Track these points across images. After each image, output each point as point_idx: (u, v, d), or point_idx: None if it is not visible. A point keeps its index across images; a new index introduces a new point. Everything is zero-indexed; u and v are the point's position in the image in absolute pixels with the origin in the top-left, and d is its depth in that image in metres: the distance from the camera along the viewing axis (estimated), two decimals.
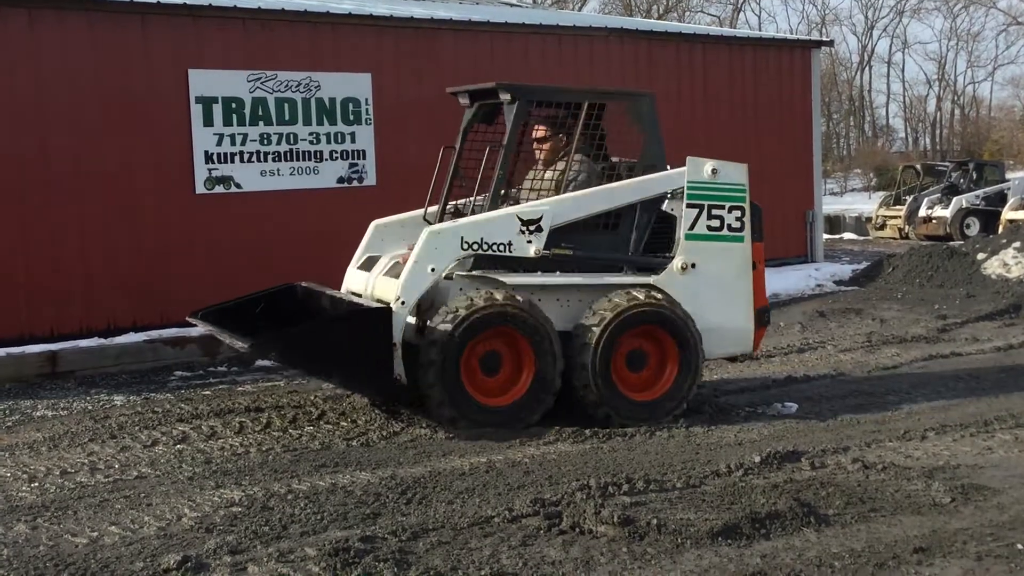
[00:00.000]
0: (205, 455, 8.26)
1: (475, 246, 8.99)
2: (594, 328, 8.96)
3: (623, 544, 6.14)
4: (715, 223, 9.51)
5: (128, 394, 10.89)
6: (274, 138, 14.43)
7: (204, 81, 13.84)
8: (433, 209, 10.04)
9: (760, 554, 5.99)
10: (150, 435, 8.92)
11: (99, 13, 13.04)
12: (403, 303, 8.84)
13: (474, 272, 9.03)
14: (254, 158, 14.24)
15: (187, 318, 9.72)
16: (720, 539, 6.18)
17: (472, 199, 9.81)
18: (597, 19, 22.53)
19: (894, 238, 29.31)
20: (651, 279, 9.32)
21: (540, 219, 9.06)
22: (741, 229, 9.60)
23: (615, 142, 9.66)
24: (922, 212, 29.02)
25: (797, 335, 13.79)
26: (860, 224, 32.75)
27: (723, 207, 9.53)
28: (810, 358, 12.21)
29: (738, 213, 9.59)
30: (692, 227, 9.43)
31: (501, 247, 9.00)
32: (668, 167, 9.60)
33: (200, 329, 10.30)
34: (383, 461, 8.00)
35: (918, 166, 33.31)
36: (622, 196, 9.39)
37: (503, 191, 9.46)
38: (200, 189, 13.87)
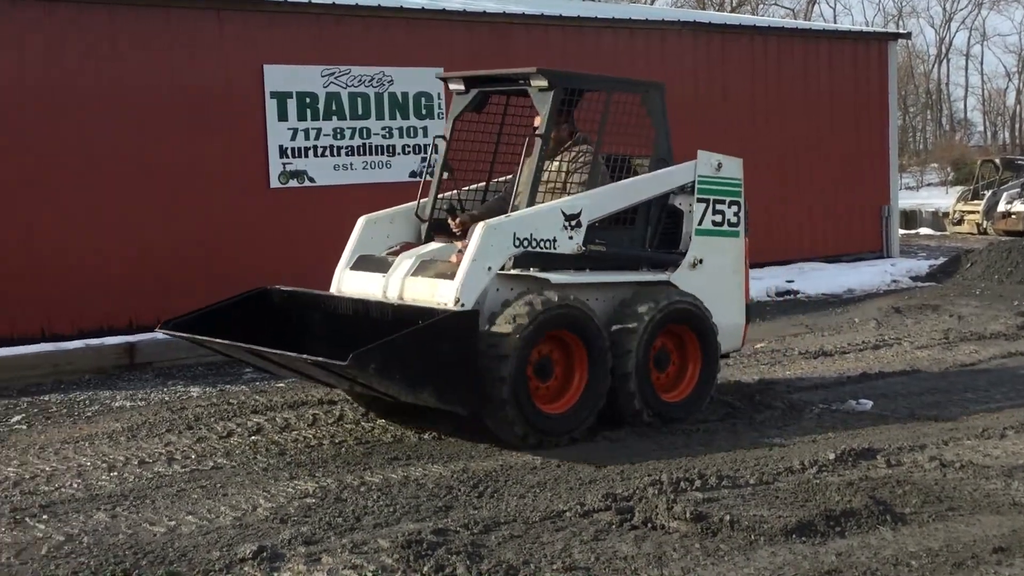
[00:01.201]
0: (279, 447, 8.35)
1: (525, 242, 8.50)
2: (637, 327, 8.60)
3: (696, 540, 6.10)
4: (718, 218, 9.41)
5: (204, 386, 11.04)
6: (347, 132, 14.53)
7: (279, 76, 13.97)
8: (425, 203, 9.51)
9: (835, 552, 5.92)
10: (225, 426, 9.03)
11: (177, 9, 13.20)
12: (463, 305, 8.16)
13: (513, 271, 8.40)
14: (327, 152, 14.36)
15: (157, 329, 9.00)
16: (794, 536, 6.13)
17: (461, 191, 9.49)
18: (669, 13, 22.42)
19: (971, 233, 28.81)
20: (667, 275, 9.10)
21: (580, 214, 8.70)
22: (738, 224, 9.52)
23: (611, 134, 9.26)
24: (1001, 207, 28.48)
25: (872, 331, 13.61)
26: (937, 219, 32.22)
27: (724, 202, 9.45)
28: (885, 355, 12.05)
29: (735, 208, 9.51)
30: (701, 222, 9.30)
31: (547, 243, 8.58)
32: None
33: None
34: (455, 455, 8.03)
35: (997, 160, 32.69)
36: (647, 190, 9.16)
37: (487, 185, 9.31)
38: (274, 183, 14.01)
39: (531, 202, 8.67)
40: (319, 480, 7.40)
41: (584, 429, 8.40)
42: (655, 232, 9.28)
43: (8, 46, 12.20)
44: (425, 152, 14.93)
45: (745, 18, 23.64)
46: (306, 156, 14.23)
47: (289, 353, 7.88)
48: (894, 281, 18.34)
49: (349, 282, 9.13)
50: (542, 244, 8.56)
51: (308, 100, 14.22)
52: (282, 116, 14.07)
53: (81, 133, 12.69)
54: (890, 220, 20.46)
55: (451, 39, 15.25)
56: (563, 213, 8.64)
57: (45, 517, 6.75)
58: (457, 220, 9.11)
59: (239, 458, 8.04)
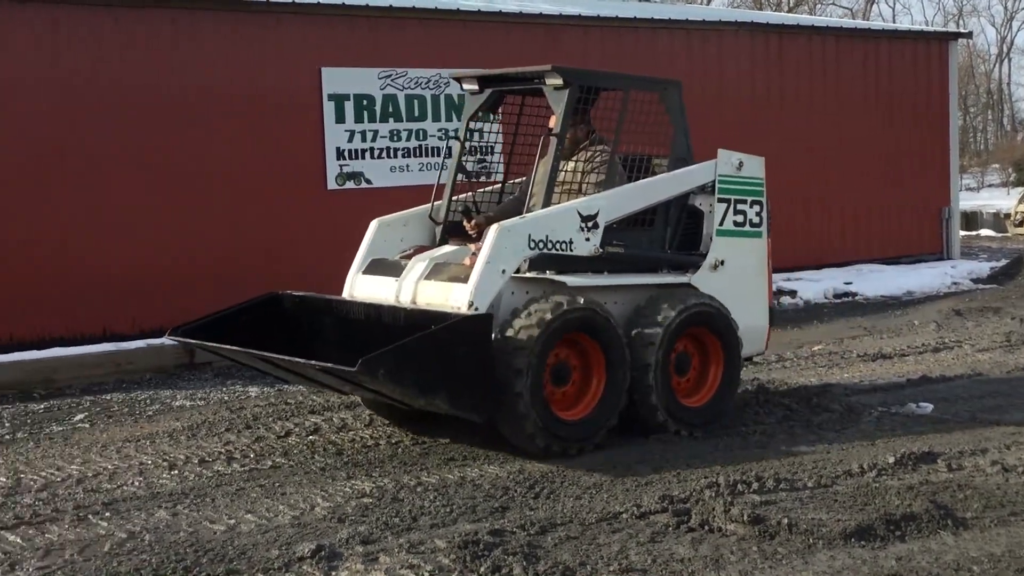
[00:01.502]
0: (336, 447, 8.40)
1: (541, 244, 8.23)
2: (656, 330, 8.36)
3: (753, 543, 6.07)
4: (739, 218, 9.18)
5: (262, 386, 11.13)
6: (404, 134, 14.60)
7: (337, 78, 14.07)
8: (439, 205, 9.30)
9: (895, 556, 5.87)
10: (283, 426, 9.11)
11: (238, 13, 13.34)
12: (477, 309, 7.93)
13: (528, 274, 8.17)
14: (384, 154, 14.44)
15: (167, 336, 8.89)
16: (853, 540, 6.08)
17: (475, 193, 9.35)
18: (726, 13, 22.31)
19: None
20: (687, 277, 8.88)
21: (597, 215, 8.46)
22: (760, 224, 9.30)
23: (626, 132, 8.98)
24: None
25: (932, 334, 13.46)
26: (998, 221, 31.79)
27: (746, 201, 9.22)
28: (946, 358, 11.91)
29: (757, 208, 9.28)
30: (722, 222, 9.08)
31: (563, 245, 8.32)
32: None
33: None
34: (511, 455, 8.04)
35: None
36: (666, 190, 8.93)
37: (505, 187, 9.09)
38: (331, 185, 14.11)
39: (546, 203, 8.44)
40: (376, 480, 7.45)
41: (602, 435, 8.15)
42: (675, 233, 9.07)
43: (81, 49, 12.37)
44: (481, 153, 14.95)
45: (803, 18, 23.47)
46: (363, 158, 14.32)
47: (297, 359, 7.71)
48: (954, 283, 18.13)
49: (361, 286, 8.95)
50: (558, 246, 8.33)
51: (365, 102, 14.32)
52: (339, 118, 14.17)
53: (142, 135, 12.85)
54: (950, 221, 20.23)
55: (507, 40, 15.28)
56: (580, 214, 8.41)
57: (108, 514, 6.84)
58: (472, 222, 8.92)
59: (297, 457, 8.11)
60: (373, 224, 9.26)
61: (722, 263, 9.04)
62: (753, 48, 17.61)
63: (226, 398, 10.60)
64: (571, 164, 8.89)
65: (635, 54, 16.31)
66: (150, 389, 11.16)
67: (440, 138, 14.78)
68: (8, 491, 7.40)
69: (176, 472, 7.79)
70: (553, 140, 8.52)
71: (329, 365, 7.36)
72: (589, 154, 8.92)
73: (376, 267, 8.96)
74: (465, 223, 8.98)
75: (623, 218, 8.69)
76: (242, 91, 13.44)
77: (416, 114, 14.66)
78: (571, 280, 8.24)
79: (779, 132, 17.63)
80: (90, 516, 6.82)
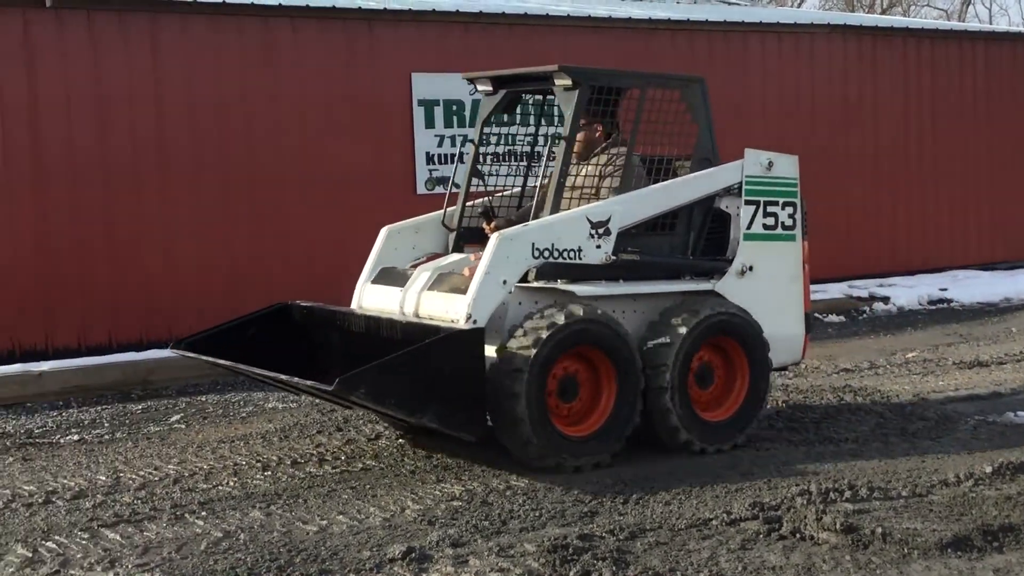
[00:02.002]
0: (426, 450, 8.46)
1: (546, 253, 7.90)
2: (672, 342, 8.02)
3: (846, 552, 6.00)
4: (770, 221, 8.75)
5: None
6: (493, 139, 14.63)
7: (426, 84, 14.18)
8: (452, 211, 9.07)
9: (992, 568, 5.76)
10: (373, 429, 9.19)
11: (330, 20, 13.50)
12: (475, 322, 7.62)
13: (536, 283, 7.89)
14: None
15: (170, 348, 8.77)
16: (949, 551, 5.98)
17: (493, 198, 9.10)
18: (818, 15, 22.02)
19: None
20: (712, 285, 8.48)
21: (609, 220, 8.10)
22: (794, 227, 8.85)
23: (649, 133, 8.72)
24: None
25: None
26: None
27: (777, 203, 8.77)
28: None
29: (791, 210, 8.83)
30: (750, 226, 8.65)
31: (571, 253, 7.98)
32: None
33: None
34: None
35: None
36: (687, 193, 8.52)
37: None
38: (421, 190, 14.21)
39: (555, 209, 8.11)
40: (466, 483, 7.49)
41: (613, 453, 7.84)
42: (699, 238, 8.67)
43: (182, 63, 12.61)
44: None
45: (896, 20, 23.10)
46: (452, 163, 14.39)
47: (280, 375, 7.54)
48: None
49: (369, 297, 8.75)
50: (566, 254, 7.98)
51: (454, 107, 14.40)
52: (429, 123, 14.27)
53: (243, 143, 13.05)
54: None
55: (597, 45, 15.26)
56: (589, 220, 8.05)
57: (204, 514, 6.97)
58: (492, 224, 8.60)
59: (387, 460, 8.18)
60: (383, 231, 9.06)
61: (751, 268, 8.63)
62: (845, 51, 17.38)
63: (317, 401, 10.72)
64: (587, 168, 8.61)
65: (727, 57, 16.21)
66: (243, 391, 11.34)
67: (528, 143, 14.78)
68: (108, 489, 7.57)
69: (269, 473, 7.91)
70: (562, 143, 8.21)
71: (309, 383, 7.22)
72: (607, 157, 8.61)
73: (384, 276, 8.77)
74: (485, 226, 8.69)
75: (640, 223, 8.34)
76: (334, 95, 13.59)
77: (504, 119, 14.67)
78: (580, 289, 7.92)
79: (872, 135, 17.39)
80: (187, 515, 6.95)
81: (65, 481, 7.81)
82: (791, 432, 8.84)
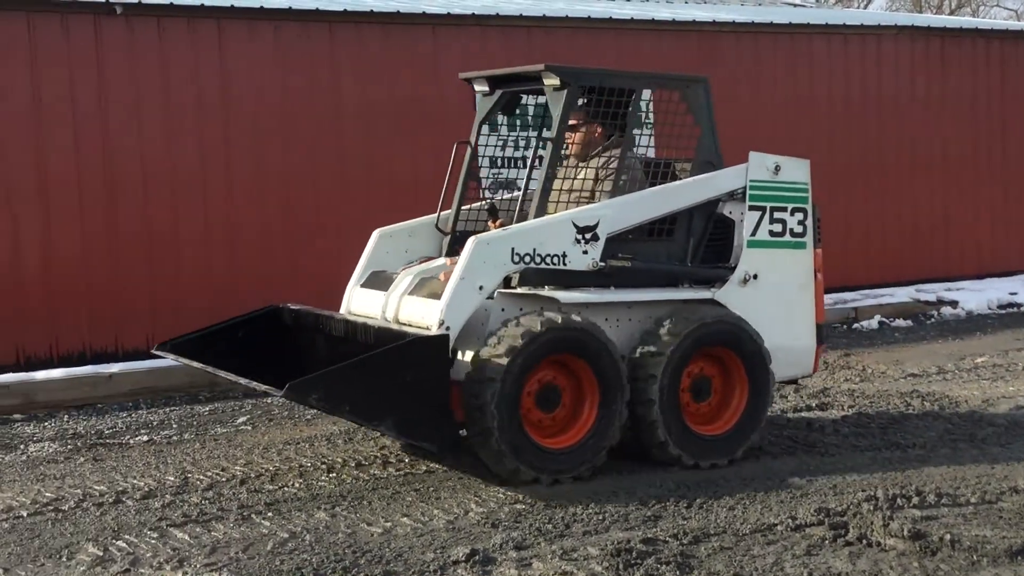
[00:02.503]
0: None
1: (527, 258, 7.67)
2: (661, 352, 7.75)
3: (913, 559, 5.94)
4: (777, 227, 8.40)
5: None
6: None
7: None
8: (447, 214, 8.91)
9: None
10: None
11: (394, 26, 13.59)
12: (448, 328, 7.43)
13: (519, 289, 7.72)
14: (537, 164, 14.50)
15: (153, 350, 8.73)
16: (1019, 558, 5.89)
17: (485, 202, 8.91)
18: (885, 16, 21.77)
19: None
20: (712, 293, 8.17)
21: (597, 225, 7.83)
22: (804, 234, 8.50)
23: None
24: None
25: None
26: None
27: (785, 209, 8.43)
28: None
29: (800, 216, 8.49)
30: (754, 232, 8.32)
31: (555, 259, 7.72)
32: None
33: None
34: (661, 464, 8.01)
35: None
36: (684, 197, 8.22)
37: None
38: (486, 193, 14.23)
39: (541, 212, 7.89)
40: (529, 486, 7.50)
41: (595, 465, 7.63)
42: (700, 244, 8.35)
43: (249, 69, 12.77)
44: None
45: (966, 21, 22.77)
46: (516, 166, 14.42)
47: (240, 379, 7.49)
48: None
49: (357, 300, 8.68)
50: (549, 260, 7.72)
51: (517, 111, 14.39)
52: (492, 127, 14.28)
53: (306, 146, 13.17)
54: None
55: (660, 48, 15.22)
56: (575, 225, 7.78)
57: (270, 514, 7.05)
58: (498, 222, 8.44)
59: (450, 463, 8.21)
60: (374, 234, 8.96)
61: (755, 277, 8.29)
62: (913, 53, 17.18)
63: None
64: (584, 171, 8.38)
65: (792, 59, 16.09)
66: None
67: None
68: (176, 490, 7.68)
69: (334, 475, 7.98)
70: (550, 144, 7.98)
71: (264, 387, 7.12)
72: (604, 159, 8.37)
73: (373, 280, 8.68)
74: (491, 223, 8.51)
75: (632, 228, 8.06)
76: (398, 99, 13.67)
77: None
78: (565, 296, 7.69)
79: (941, 138, 17.17)
80: (253, 515, 7.03)
81: (135, 481, 7.94)
82: (857, 437, 8.76)
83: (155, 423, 9.95)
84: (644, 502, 7.09)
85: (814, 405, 9.92)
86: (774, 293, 8.39)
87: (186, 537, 6.63)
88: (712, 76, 15.29)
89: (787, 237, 8.46)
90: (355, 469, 8.12)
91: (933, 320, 15.35)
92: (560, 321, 7.47)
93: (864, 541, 6.21)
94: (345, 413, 7.15)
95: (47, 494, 7.64)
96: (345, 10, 13.23)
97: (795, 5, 20.90)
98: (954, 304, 15.87)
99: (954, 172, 17.31)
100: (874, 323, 14.94)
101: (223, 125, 12.63)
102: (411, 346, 7.17)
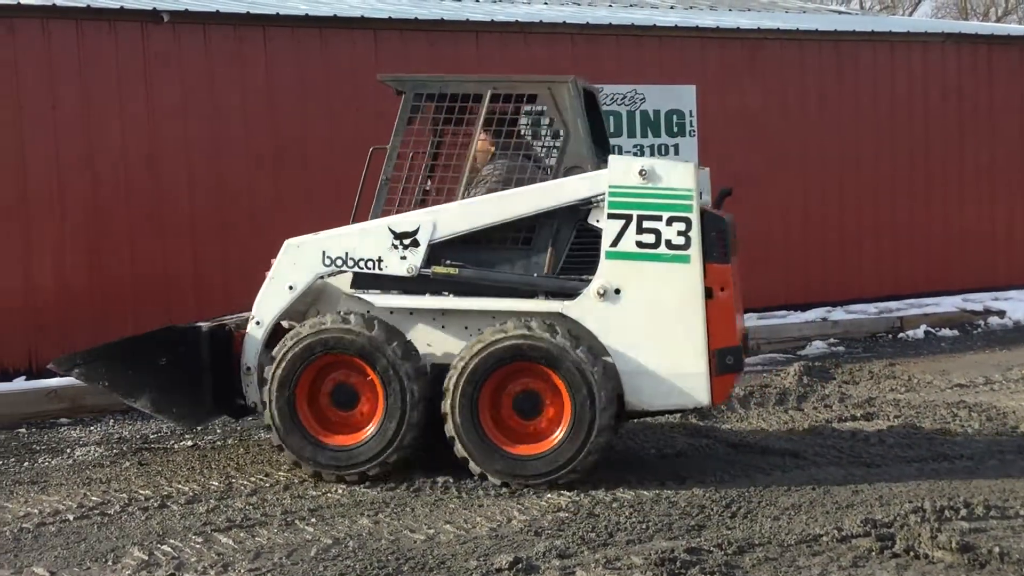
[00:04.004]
0: None
1: (339, 262, 7.95)
2: (455, 364, 7.69)
3: (962, 571, 5.88)
4: (649, 238, 7.68)
5: None
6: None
7: None
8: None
9: None
10: None
11: (437, 32, 13.62)
12: (258, 323, 8.09)
13: (350, 291, 8.06)
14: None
15: (50, 365, 8.77)
16: None
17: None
18: (931, 24, 21.58)
19: None
20: (562, 306, 7.77)
21: (416, 232, 7.85)
22: (686, 246, 7.64)
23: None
24: None
25: None
26: None
27: (660, 218, 7.66)
28: None
29: (682, 226, 7.64)
30: (615, 243, 7.70)
31: (370, 263, 7.90)
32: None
33: None
34: (706, 472, 7.98)
35: None
36: (518, 205, 7.87)
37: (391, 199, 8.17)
38: None
39: (375, 216, 8.08)
40: (572, 495, 7.48)
41: (382, 465, 7.77)
42: (560, 255, 7.90)
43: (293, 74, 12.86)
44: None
45: (1015, 28, 22.55)
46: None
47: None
48: None
49: None
50: (364, 264, 7.93)
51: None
52: (535, 134, 14.28)
53: (356, 153, 13.21)
54: None
55: (703, 56, 15.18)
56: (392, 230, 7.88)
57: (313, 520, 7.07)
58: None
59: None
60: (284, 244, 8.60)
61: (616, 291, 7.70)
62: (960, 60, 17.02)
63: None
64: (476, 181, 8.27)
65: (837, 66, 15.97)
66: None
67: (635, 154, 14.76)
68: (221, 495, 7.72)
69: (377, 481, 7.96)
70: (387, 151, 8.16)
71: (50, 365, 8.40)
72: (483, 173, 8.25)
73: None
74: None
75: (466, 235, 7.92)
76: None
77: (611, 130, 14.66)
78: (378, 300, 7.97)
79: (989, 147, 16.98)
80: (297, 521, 7.05)
81: (179, 486, 7.98)
82: (903, 448, 8.67)
83: (199, 428, 10.00)
84: (688, 511, 7.05)
85: (859, 415, 9.83)
86: (644, 311, 7.71)
87: (230, 542, 6.66)
88: (756, 84, 15.29)
89: (662, 249, 7.69)
90: (397, 475, 8.11)
91: (980, 330, 15.19)
92: (329, 323, 7.81)
93: (911, 553, 6.14)
94: (103, 387, 8.30)
95: (93, 498, 7.70)
96: (390, 17, 13.28)
97: (839, 12, 20.78)
98: (1001, 314, 15.69)
99: (1002, 181, 17.12)
100: (920, 332, 14.81)
101: (271, 131, 12.70)
102: (159, 334, 8.24)
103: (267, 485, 7.95)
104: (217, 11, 12.34)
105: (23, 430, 10.01)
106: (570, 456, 7.59)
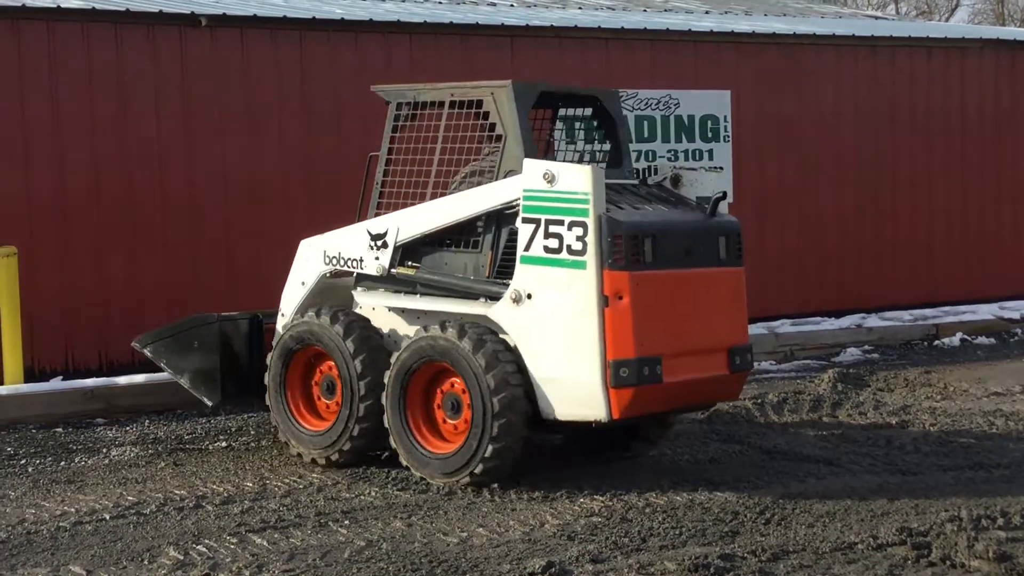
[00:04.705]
0: (565, 466, 8.44)
1: (335, 260, 8.68)
2: (392, 361, 8.10)
3: None
4: (553, 243, 7.60)
5: None
6: (633, 155, 14.59)
7: None
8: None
9: None
10: None
11: (472, 36, 13.63)
12: (282, 315, 8.96)
13: (356, 290, 8.75)
14: None
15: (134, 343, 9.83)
16: None
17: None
18: (968, 29, 21.45)
19: None
20: (487, 310, 7.88)
21: (386, 234, 8.38)
22: (583, 252, 7.50)
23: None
24: None
25: None
26: None
27: (562, 222, 7.57)
28: None
29: (580, 231, 7.50)
30: (528, 247, 7.70)
31: (355, 263, 8.58)
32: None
33: None
34: (739, 478, 7.95)
35: None
36: (459, 209, 8.15)
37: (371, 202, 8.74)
38: None
39: (367, 217, 8.69)
40: (604, 499, 7.47)
41: (341, 450, 8.36)
42: (496, 258, 8.03)
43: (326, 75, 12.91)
44: None
45: None
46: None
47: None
48: None
49: None
50: (350, 263, 8.62)
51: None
52: (570, 139, 14.27)
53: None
54: None
55: (739, 61, 15.14)
56: (368, 232, 8.51)
57: (347, 522, 7.09)
58: None
59: (526, 474, 8.18)
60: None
61: (529, 296, 7.69)
62: (998, 67, 16.89)
63: None
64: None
65: (873, 73, 15.88)
66: None
67: (669, 159, 14.72)
68: (255, 496, 7.75)
69: (411, 484, 7.98)
70: (382, 157, 8.72)
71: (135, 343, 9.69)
72: (457, 177, 8.56)
73: None
74: None
75: (422, 237, 8.32)
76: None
77: (646, 135, 14.63)
78: (358, 297, 8.69)
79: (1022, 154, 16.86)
80: (330, 523, 7.08)
81: (214, 487, 8.03)
82: (939, 457, 8.61)
83: (233, 429, 10.06)
84: (721, 517, 7.03)
85: (895, 423, 9.77)
86: (548, 317, 7.64)
87: (264, 543, 6.69)
88: (792, 89, 15.22)
89: (564, 255, 7.59)
90: (431, 479, 8.12)
91: (1017, 338, 15.06)
92: (305, 317, 8.56)
93: (948, 562, 6.10)
94: (164, 367, 9.59)
95: (129, 498, 7.76)
96: (424, 22, 13.32)
97: (876, 17, 20.67)
98: None
99: None
100: (956, 340, 14.69)
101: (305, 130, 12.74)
102: (188, 323, 9.46)
103: (301, 487, 7.98)
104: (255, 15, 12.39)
105: (60, 429, 10.09)
106: (467, 460, 7.71)
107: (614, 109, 9.02)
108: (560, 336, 7.61)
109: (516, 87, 8.11)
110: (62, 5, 11.52)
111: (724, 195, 8.41)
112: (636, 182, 8.60)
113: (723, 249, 8.12)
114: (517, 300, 7.73)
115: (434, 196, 8.37)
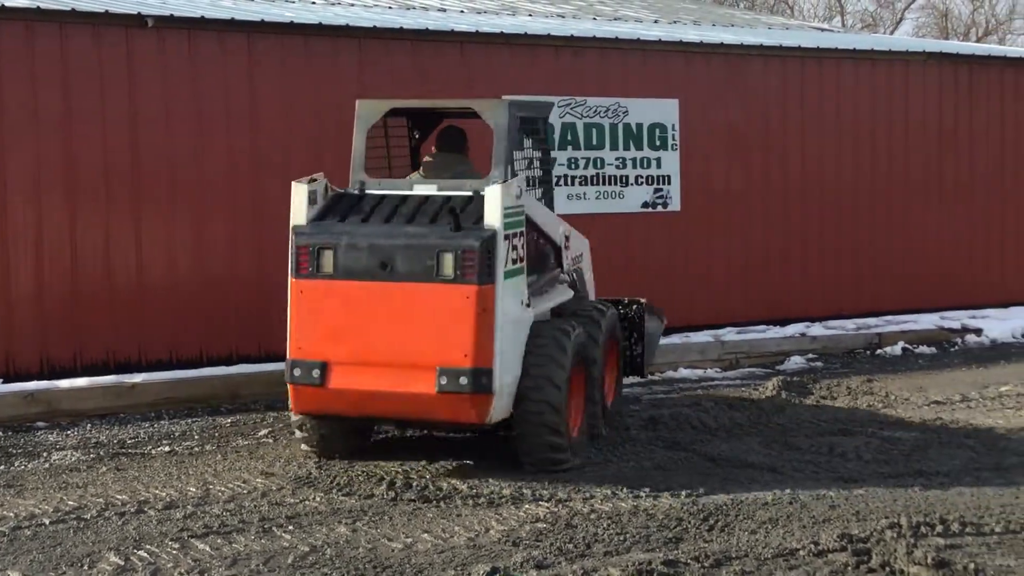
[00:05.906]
0: (511, 472, 8.45)
1: None
2: None
3: None
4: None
5: None
6: (581, 163, 14.66)
7: None
8: None
9: None
10: (459, 451, 9.20)
11: (422, 43, 13.61)
12: None
13: None
14: (561, 182, 14.50)
15: None
16: None
17: None
18: (912, 43, 21.72)
19: None
20: None
21: None
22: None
23: None
24: None
25: None
26: None
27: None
28: None
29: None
30: None
31: None
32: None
33: None
34: (683, 486, 7.99)
35: None
36: None
37: None
38: None
39: None
40: (550, 506, 7.49)
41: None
42: None
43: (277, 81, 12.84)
44: (658, 183, 14.94)
45: (995, 48, 22.69)
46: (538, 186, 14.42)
47: None
48: None
49: None
50: None
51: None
52: (519, 146, 14.30)
53: (342, 157, 13.21)
54: None
55: (687, 70, 15.23)
56: None
57: (291, 528, 7.06)
58: None
59: (471, 481, 8.19)
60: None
61: None
62: (941, 79, 17.11)
63: None
64: None
65: (820, 83, 16.01)
66: None
67: (617, 167, 14.80)
68: (198, 501, 7.70)
69: (355, 490, 7.96)
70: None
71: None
72: None
73: None
74: None
75: None
76: None
77: (594, 142, 14.71)
78: None
79: (968, 165, 17.08)
80: (274, 528, 7.04)
81: (156, 491, 7.96)
82: (880, 464, 8.71)
83: (177, 434, 9.98)
84: (665, 523, 7.07)
85: (837, 430, 9.87)
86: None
87: (207, 548, 6.65)
88: (739, 99, 15.32)
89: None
90: (376, 485, 8.10)
91: (957, 348, 15.27)
92: None
93: (887, 568, 6.17)
94: None
95: (69, 502, 7.67)
96: (375, 27, 13.28)
97: (822, 29, 20.89)
98: (979, 332, 15.77)
99: (981, 201, 17.21)
100: (898, 349, 14.87)
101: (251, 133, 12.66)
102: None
103: (244, 492, 7.93)
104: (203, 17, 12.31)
105: None
106: None
107: (495, 120, 9.07)
108: None
109: (360, 105, 9.13)
110: (6, 4, 11.37)
111: (464, 208, 8.41)
112: (433, 193, 8.77)
113: (449, 266, 8.05)
114: None
115: None
